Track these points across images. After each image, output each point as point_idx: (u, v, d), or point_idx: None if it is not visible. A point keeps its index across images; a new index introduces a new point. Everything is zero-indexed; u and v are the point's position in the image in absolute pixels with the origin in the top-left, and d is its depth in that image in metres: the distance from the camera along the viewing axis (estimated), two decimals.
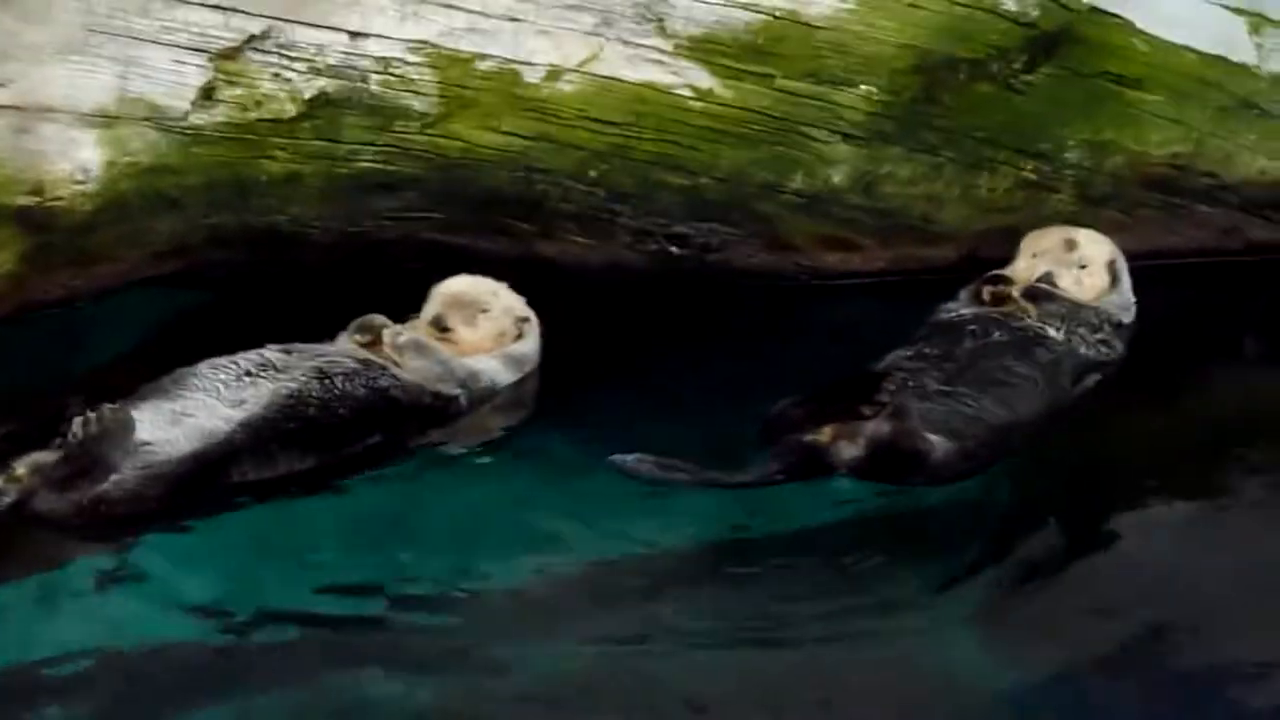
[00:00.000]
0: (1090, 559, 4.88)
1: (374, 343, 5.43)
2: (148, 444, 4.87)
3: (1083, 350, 5.62)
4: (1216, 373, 5.98)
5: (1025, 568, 4.82)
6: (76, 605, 4.58)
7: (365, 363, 5.32)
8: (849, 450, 4.99)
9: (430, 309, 5.59)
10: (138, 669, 4.34)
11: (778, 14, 5.94)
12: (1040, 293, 5.71)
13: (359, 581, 4.68)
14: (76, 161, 5.67)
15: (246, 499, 4.97)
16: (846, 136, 6.08)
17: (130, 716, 4.19)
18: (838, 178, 6.13)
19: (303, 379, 5.17)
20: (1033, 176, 6.24)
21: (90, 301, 5.92)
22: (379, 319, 5.48)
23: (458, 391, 5.46)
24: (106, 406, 4.81)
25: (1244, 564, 4.89)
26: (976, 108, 6.13)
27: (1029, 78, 6.13)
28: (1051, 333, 5.59)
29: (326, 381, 5.19)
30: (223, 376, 5.11)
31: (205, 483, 4.94)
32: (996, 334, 5.51)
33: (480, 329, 5.60)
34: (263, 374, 5.15)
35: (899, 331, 5.73)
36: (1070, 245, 5.82)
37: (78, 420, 4.74)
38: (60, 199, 5.67)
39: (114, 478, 4.80)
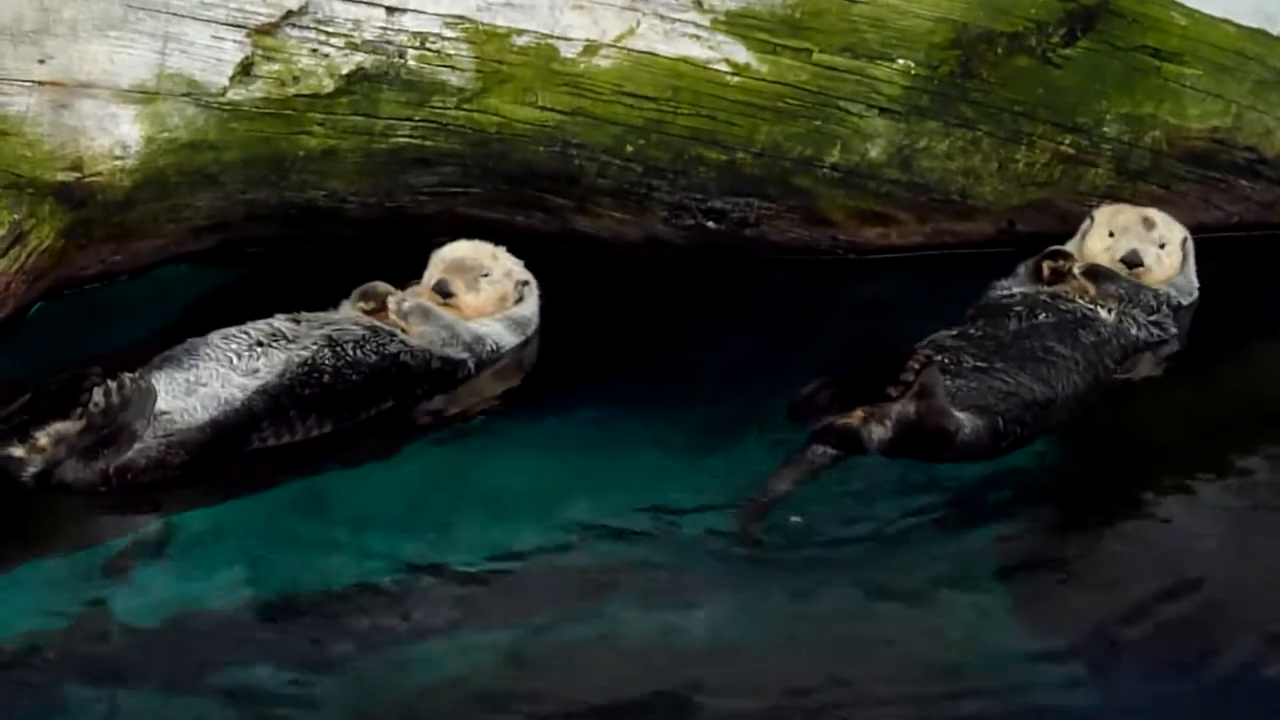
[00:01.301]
0: (1126, 537, 4.86)
1: (378, 310, 5.48)
2: (166, 413, 4.91)
3: (1133, 331, 5.59)
4: (1256, 347, 5.96)
5: (1060, 545, 4.81)
6: (101, 577, 4.62)
7: (373, 329, 5.37)
8: (879, 431, 4.98)
9: (432, 274, 5.62)
10: (166, 640, 4.37)
11: None
12: (1102, 272, 5.68)
13: (386, 554, 4.69)
14: (115, 137, 5.70)
15: (268, 469, 5.01)
16: (883, 111, 6.07)
17: (162, 685, 4.22)
18: (875, 152, 6.11)
19: (314, 347, 5.22)
20: (1070, 151, 6.21)
21: (129, 277, 5.95)
22: (382, 286, 5.53)
23: (465, 355, 5.50)
24: (127, 375, 4.81)
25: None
26: (1014, 82, 6.11)
27: (1067, 51, 6.10)
28: (1103, 314, 5.57)
29: (338, 349, 5.24)
30: (234, 346, 5.15)
31: (226, 450, 4.98)
32: (1043, 315, 5.49)
33: (483, 293, 5.63)
34: (274, 344, 5.19)
35: (936, 306, 5.73)
36: (1149, 224, 5.80)
37: (99, 390, 4.73)
38: (99, 175, 5.69)
39: (138, 446, 4.83)
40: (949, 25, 6.02)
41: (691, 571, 4.65)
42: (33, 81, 5.60)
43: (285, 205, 5.97)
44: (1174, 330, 5.68)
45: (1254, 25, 6.23)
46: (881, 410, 4.95)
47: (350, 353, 5.26)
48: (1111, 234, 5.79)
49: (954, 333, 5.43)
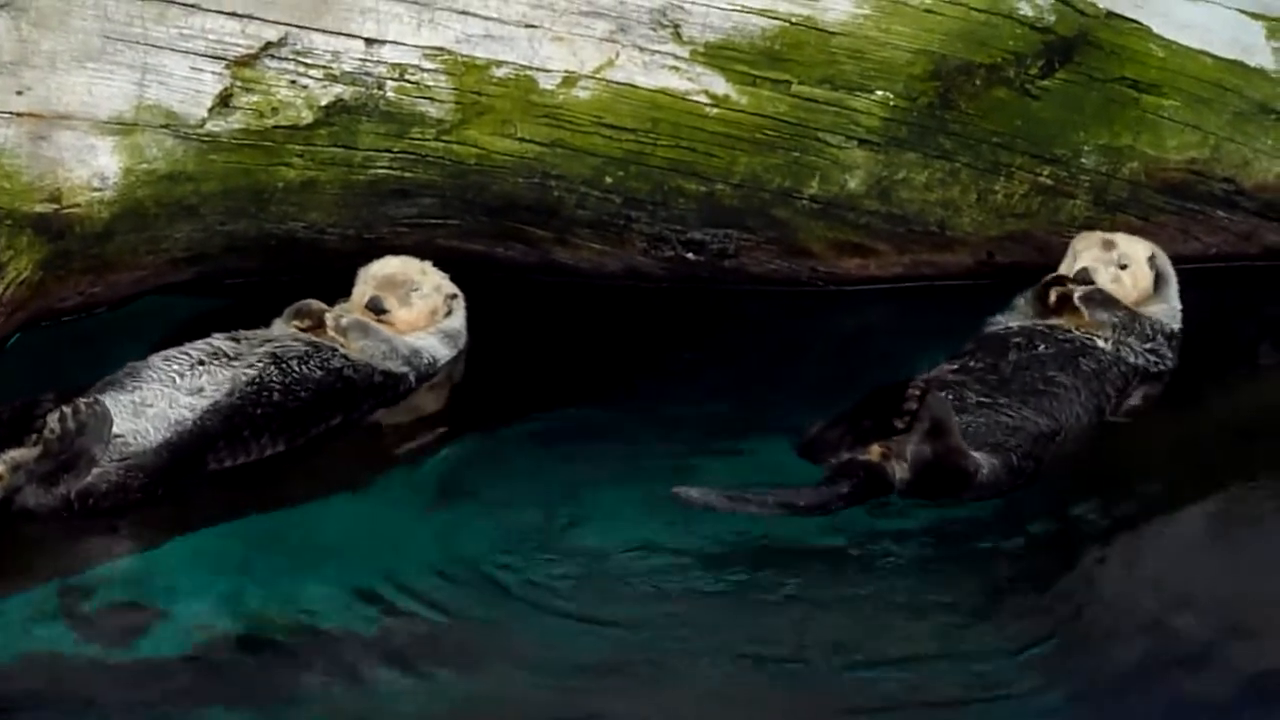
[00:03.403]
0: (1112, 567, 4.86)
1: (314, 327, 5.53)
2: (119, 435, 4.94)
3: (1131, 359, 5.60)
4: (1234, 378, 5.97)
5: (1049, 576, 4.79)
6: (66, 610, 4.61)
7: (314, 345, 5.43)
8: (898, 472, 4.98)
9: (363, 291, 5.69)
10: (131, 674, 4.36)
11: (794, 20, 5.95)
12: (1097, 298, 5.69)
13: (352, 589, 4.67)
14: (94, 169, 5.70)
15: (229, 499, 5.03)
16: (862, 142, 6.08)
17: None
18: (854, 183, 6.12)
19: (260, 365, 5.27)
20: (1049, 182, 6.23)
21: (107, 309, 5.96)
22: (317, 304, 5.59)
23: (405, 369, 5.59)
24: (81, 401, 4.86)
25: (1262, 570, 4.89)
26: (992, 113, 6.12)
27: (1045, 83, 6.12)
28: (1100, 343, 5.58)
29: (283, 365, 5.30)
30: (175, 367, 5.19)
31: (184, 471, 5.02)
32: (1042, 346, 5.51)
33: (415, 307, 5.71)
34: (215, 362, 5.24)
35: (916, 337, 5.75)
36: (1108, 245, 5.82)
37: (53, 416, 4.79)
38: (78, 206, 5.69)
39: (97, 471, 4.87)
40: (928, 57, 6.03)
41: (667, 608, 4.63)
42: (10, 113, 5.61)
43: (264, 237, 5.97)
44: (1171, 361, 5.70)
45: (1232, 57, 6.24)
46: (898, 448, 4.96)
47: (296, 369, 5.32)
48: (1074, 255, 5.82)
49: (954, 367, 5.43)
